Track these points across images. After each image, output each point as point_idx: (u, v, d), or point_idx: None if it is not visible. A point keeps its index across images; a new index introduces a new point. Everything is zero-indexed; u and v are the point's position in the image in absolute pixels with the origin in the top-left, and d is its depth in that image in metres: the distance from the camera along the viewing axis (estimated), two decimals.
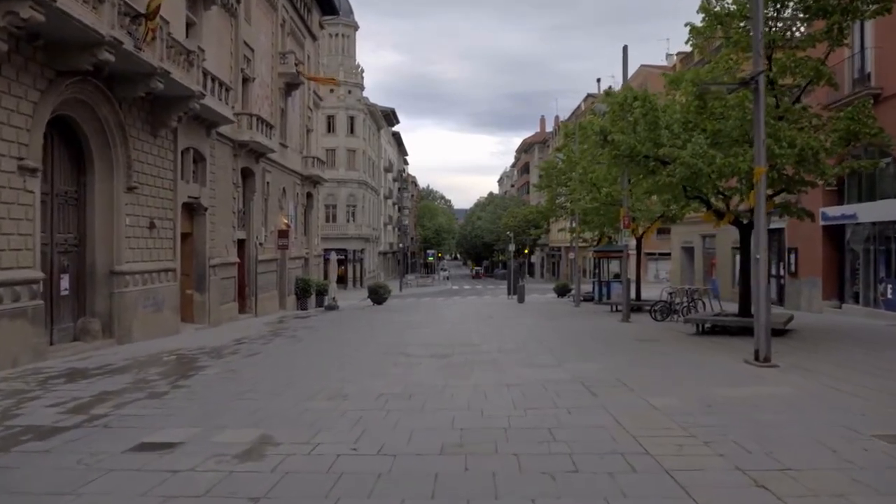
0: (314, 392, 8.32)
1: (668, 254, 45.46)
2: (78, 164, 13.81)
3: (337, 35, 59.08)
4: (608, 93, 18.10)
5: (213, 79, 18.15)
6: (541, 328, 17.50)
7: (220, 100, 18.69)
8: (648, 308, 22.28)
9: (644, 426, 6.25)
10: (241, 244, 24.45)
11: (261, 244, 25.75)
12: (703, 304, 18.46)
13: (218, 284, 20.16)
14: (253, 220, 24.99)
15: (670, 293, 19.15)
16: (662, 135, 12.98)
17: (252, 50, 24.64)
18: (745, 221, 14.62)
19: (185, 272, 18.93)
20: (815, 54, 13.70)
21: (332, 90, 57.02)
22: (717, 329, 14.36)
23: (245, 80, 24.21)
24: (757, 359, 10.02)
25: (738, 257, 29.10)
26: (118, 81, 13.65)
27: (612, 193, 21.29)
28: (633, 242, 22.64)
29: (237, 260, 22.88)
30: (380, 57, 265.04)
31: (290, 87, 30.01)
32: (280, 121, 29.09)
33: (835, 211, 19.09)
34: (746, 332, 13.87)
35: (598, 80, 55.68)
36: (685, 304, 18.48)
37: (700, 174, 12.37)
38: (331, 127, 58.01)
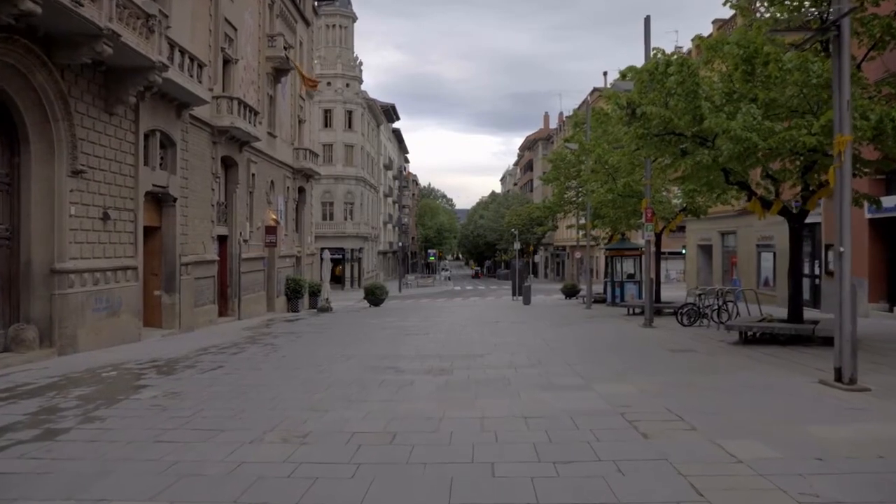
0: (266, 429, 6.20)
1: (679, 253, 43.30)
2: (10, 142, 11.70)
3: (334, 26, 56.98)
4: (625, 73, 15.98)
5: (183, 52, 16.04)
6: (555, 335, 15.35)
7: (192, 77, 16.56)
8: (672, 311, 20.17)
9: (740, 499, 4.12)
10: (222, 241, 22.34)
11: (245, 241, 23.63)
12: (737, 307, 16.27)
13: (191, 285, 18.04)
14: (236, 215, 22.86)
15: (699, 295, 16.99)
16: (703, 106, 10.82)
17: (235, 29, 22.54)
18: (795, 211, 12.48)
19: (152, 271, 16.84)
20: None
21: (328, 83, 54.97)
22: (765, 337, 12.20)
23: (226, 62, 22.11)
24: (839, 379, 7.88)
25: (760, 255, 27.11)
26: (57, 44, 11.54)
27: (631, 184, 19.13)
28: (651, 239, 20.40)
29: (216, 258, 20.77)
30: (381, 57, 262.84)
31: (280, 72, 27.89)
32: (268, 108, 26.98)
33: (886, 202, 16.90)
34: (799, 341, 11.81)
35: (605, 74, 53.56)
36: (716, 306, 16.31)
37: (752, 151, 10.22)
38: (328, 121, 55.90)
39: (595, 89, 59.81)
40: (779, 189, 12.77)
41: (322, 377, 9.42)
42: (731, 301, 16.33)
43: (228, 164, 22.60)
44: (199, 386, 8.75)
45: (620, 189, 19.57)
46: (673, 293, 28.70)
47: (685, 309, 16.63)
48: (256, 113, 23.26)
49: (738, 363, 10.07)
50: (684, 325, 16.45)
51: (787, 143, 9.79)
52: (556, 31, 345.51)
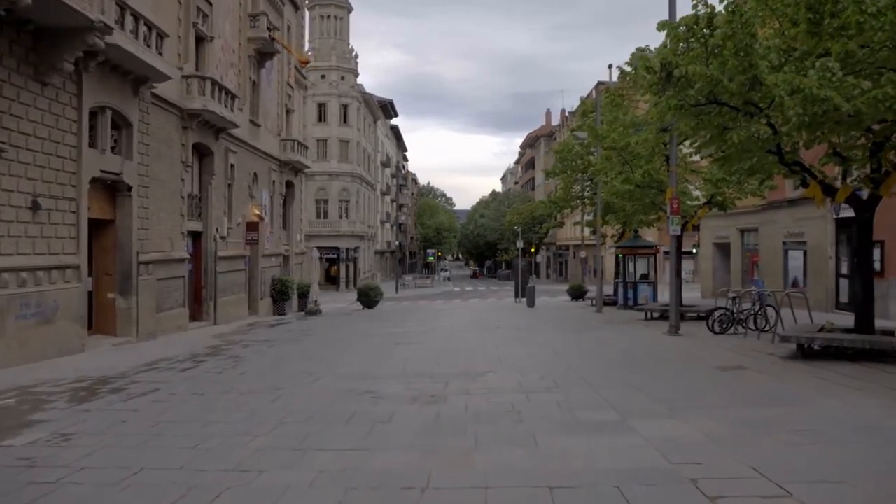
0: None
1: (689, 252, 41.03)
2: None
3: (328, 17, 54.81)
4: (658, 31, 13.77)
5: (137, 17, 13.86)
6: (568, 345, 13.18)
7: (149, 47, 14.39)
8: (695, 315, 18.02)
9: None
10: (196, 237, 20.21)
11: (222, 238, 21.46)
12: (777, 312, 14.04)
13: (152, 286, 15.85)
14: (212, 209, 20.69)
15: (733, 298, 14.80)
16: (761, 66, 8.66)
17: (210, 3, 20.36)
18: (864, 197, 10.31)
19: (105, 271, 14.72)
20: None
21: (323, 76, 52.91)
22: (828, 351, 10.00)
23: (200, 39, 19.95)
24: None
25: (787, 253, 24.90)
26: None
27: (651, 172, 16.95)
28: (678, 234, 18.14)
29: (186, 256, 18.60)
30: (381, 56, 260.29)
31: (264, 56, 25.70)
32: (250, 95, 24.81)
33: None
34: (871, 356, 9.62)
35: (610, 66, 51.03)
36: (753, 312, 14.14)
37: (829, 118, 8.05)
38: (322, 115, 53.75)
39: (600, 83, 57.65)
40: (846, 171, 10.57)
41: (276, 407, 7.25)
42: (771, 305, 14.14)
43: (203, 152, 20.45)
44: (106, 423, 6.57)
45: (639, 178, 17.38)
46: (685, 295, 26.49)
47: (718, 314, 14.45)
48: (235, 97, 21.09)
49: (813, 388, 7.87)
50: (716, 333, 14.30)
51: (881, 103, 7.58)
52: (557, 30, 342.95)
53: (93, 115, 13.41)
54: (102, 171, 13.64)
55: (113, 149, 14.35)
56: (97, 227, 14.47)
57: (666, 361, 10.65)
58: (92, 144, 13.35)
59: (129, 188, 14.67)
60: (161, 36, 15.06)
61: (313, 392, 8.24)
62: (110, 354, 12.55)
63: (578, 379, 8.83)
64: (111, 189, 14.53)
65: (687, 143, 15.43)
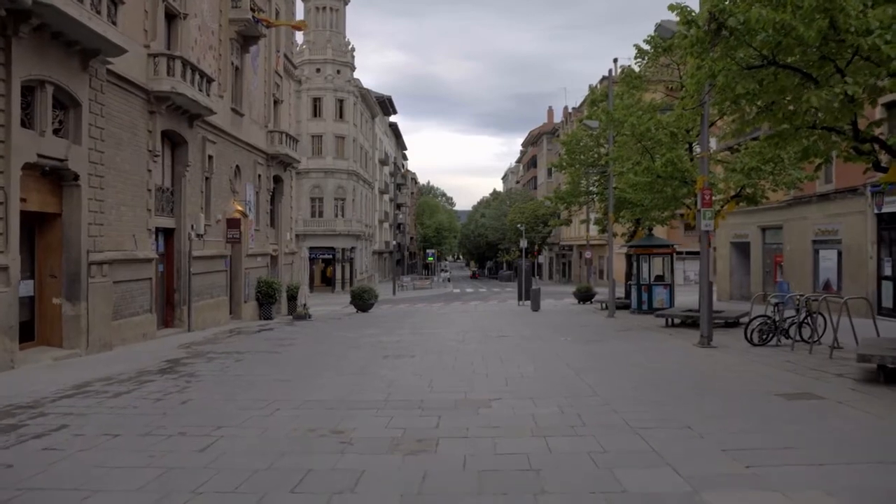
0: None
1: (698, 252, 39.18)
2: None
3: (324, 8, 52.85)
4: None
5: None
6: (586, 360, 11.18)
7: (99, 13, 12.41)
8: (722, 322, 16.08)
9: None
10: (168, 235, 18.28)
11: (199, 236, 19.47)
12: (827, 321, 12.07)
13: (107, 290, 13.87)
14: (186, 204, 18.72)
15: (775, 304, 12.82)
16: (847, 7, 6.69)
17: None
18: None
19: (51, 272, 12.76)
20: None
21: (318, 69, 51.04)
22: None
23: (172, 17, 17.96)
24: None
25: (818, 253, 22.76)
26: None
27: (675, 160, 14.96)
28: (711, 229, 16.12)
29: (153, 255, 16.62)
30: (384, 56, 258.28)
31: (247, 40, 23.72)
32: (232, 81, 22.85)
33: None
34: None
35: (615, 60, 49.11)
36: (800, 320, 12.15)
37: None
38: (317, 110, 51.81)
39: (604, 77, 55.63)
40: None
41: (202, 461, 5.27)
42: (817, 313, 12.14)
43: (176, 141, 18.48)
44: None
45: (659, 168, 15.38)
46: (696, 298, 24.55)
47: (757, 323, 12.47)
48: (211, 80, 19.09)
49: None
50: (754, 345, 12.34)
51: None
52: (559, 30, 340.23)
53: (29, 90, 11.45)
54: (40, 156, 11.65)
55: (57, 132, 12.38)
56: (40, 223, 12.57)
57: (711, 385, 8.66)
58: (27, 124, 11.40)
59: (77, 177, 12.70)
60: (115, 2, 13.09)
61: (264, 432, 6.27)
62: (43, 372, 10.57)
63: (609, 412, 6.86)
64: (56, 178, 12.57)
65: (719, 123, 13.48)
